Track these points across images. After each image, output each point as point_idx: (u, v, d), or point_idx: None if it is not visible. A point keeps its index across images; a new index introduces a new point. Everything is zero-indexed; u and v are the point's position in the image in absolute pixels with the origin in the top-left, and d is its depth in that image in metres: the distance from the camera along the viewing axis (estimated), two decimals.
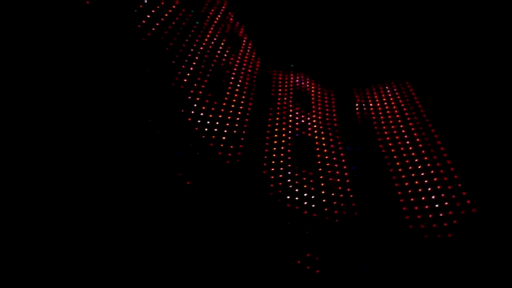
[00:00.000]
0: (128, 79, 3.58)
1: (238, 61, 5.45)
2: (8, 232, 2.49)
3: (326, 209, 4.05)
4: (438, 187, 4.29)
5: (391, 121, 5.41)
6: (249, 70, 5.55)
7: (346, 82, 6.38)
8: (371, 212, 4.14)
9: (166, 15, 4.59)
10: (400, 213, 4.16)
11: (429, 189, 4.31)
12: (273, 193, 4.02)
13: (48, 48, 3.09)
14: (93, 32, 3.45)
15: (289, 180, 4.23)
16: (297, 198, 4.06)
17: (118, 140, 3.25)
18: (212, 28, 5.37)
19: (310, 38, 6.73)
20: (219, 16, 5.73)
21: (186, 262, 3.03)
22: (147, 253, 2.92)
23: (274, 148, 4.62)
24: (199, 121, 4.10)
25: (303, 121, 5.24)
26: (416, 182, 4.43)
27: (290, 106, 5.42)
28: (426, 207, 4.14)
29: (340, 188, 4.37)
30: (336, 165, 4.68)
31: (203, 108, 4.24)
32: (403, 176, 4.55)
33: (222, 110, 4.50)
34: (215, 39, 5.28)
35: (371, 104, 5.84)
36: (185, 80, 4.29)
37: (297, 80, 6.05)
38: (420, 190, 4.33)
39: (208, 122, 4.18)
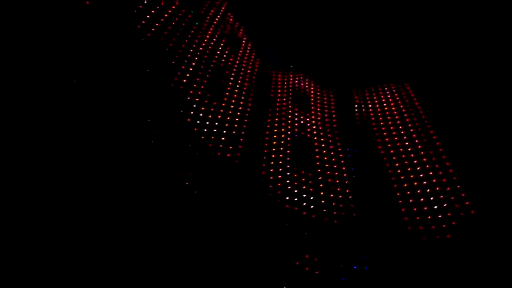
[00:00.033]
0: (127, 80, 3.58)
1: (237, 62, 5.45)
2: (8, 232, 2.49)
3: (324, 210, 4.05)
4: (437, 188, 4.29)
5: (390, 122, 5.42)
6: (249, 71, 5.55)
7: (345, 83, 6.38)
8: (370, 213, 4.15)
9: (166, 15, 4.59)
10: (399, 214, 4.16)
11: (428, 190, 4.31)
12: (272, 194, 4.02)
13: (48, 48, 3.09)
14: (93, 32, 3.46)
15: (288, 181, 4.23)
16: (296, 199, 4.06)
17: (118, 140, 3.25)
18: (211, 29, 5.36)
19: (310, 39, 6.73)
20: (218, 16, 5.73)
21: (186, 263, 3.03)
22: (147, 254, 2.92)
23: (273, 149, 4.62)
24: (198, 121, 4.10)
25: (302, 122, 5.24)
26: (415, 184, 4.43)
27: (290, 106, 5.42)
28: (425, 208, 4.14)
29: (339, 189, 4.37)
30: (335, 166, 4.68)
31: (202, 108, 4.24)
32: (402, 177, 4.56)
33: (222, 110, 4.50)
34: (214, 39, 5.28)
35: (370, 105, 5.85)
36: (184, 81, 4.29)
37: (296, 81, 6.05)
38: (419, 191, 4.33)
39: (207, 123, 4.18)
